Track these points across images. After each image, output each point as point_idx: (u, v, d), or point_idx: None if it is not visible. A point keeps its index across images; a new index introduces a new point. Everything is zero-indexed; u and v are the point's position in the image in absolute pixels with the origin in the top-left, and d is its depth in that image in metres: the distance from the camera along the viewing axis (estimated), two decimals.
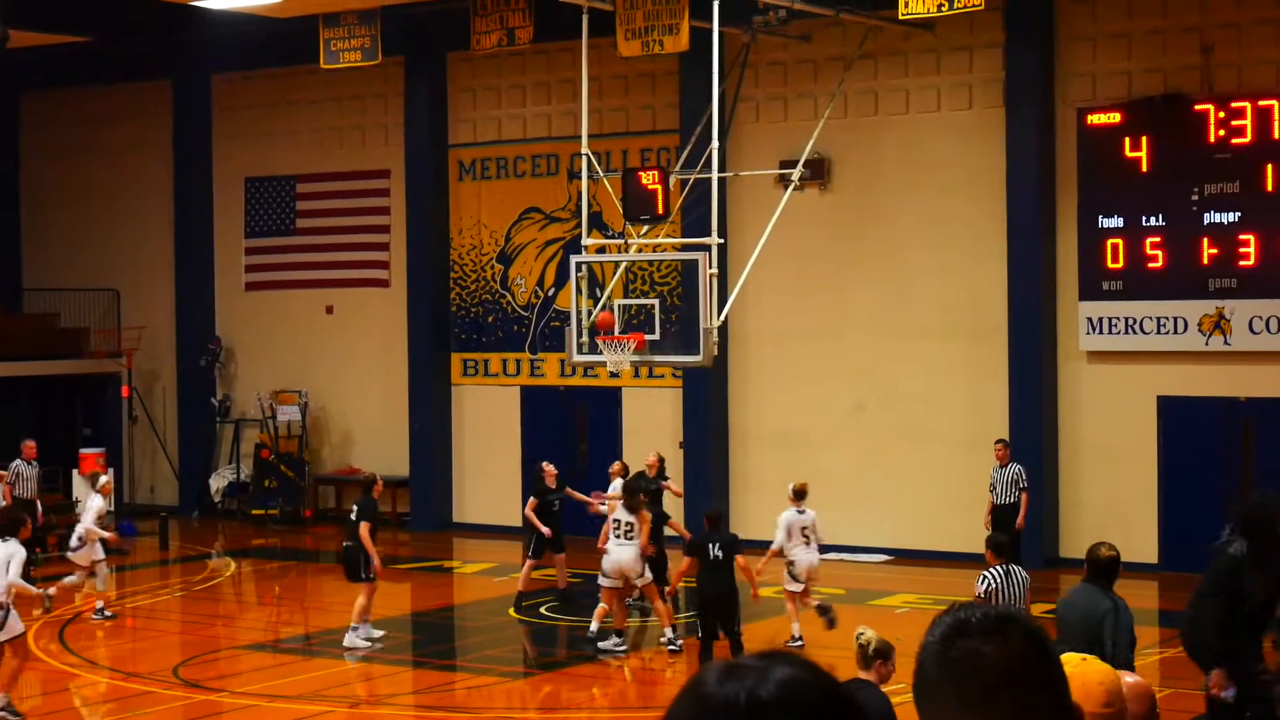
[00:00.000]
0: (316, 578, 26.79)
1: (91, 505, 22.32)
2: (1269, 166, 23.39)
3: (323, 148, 32.16)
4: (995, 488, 22.90)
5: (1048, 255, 25.10)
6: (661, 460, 22.60)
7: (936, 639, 2.95)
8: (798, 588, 19.31)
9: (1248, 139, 23.45)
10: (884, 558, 25.96)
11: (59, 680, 18.94)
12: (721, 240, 22.58)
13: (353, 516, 20.23)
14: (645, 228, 23.35)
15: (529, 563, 22.27)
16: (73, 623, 22.52)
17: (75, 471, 30.28)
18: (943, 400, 25.96)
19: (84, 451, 30.69)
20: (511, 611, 21.97)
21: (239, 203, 33.28)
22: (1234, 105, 23.57)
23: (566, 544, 22.34)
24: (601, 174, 23.79)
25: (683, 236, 24.60)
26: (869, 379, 26.58)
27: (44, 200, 35.52)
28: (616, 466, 22.60)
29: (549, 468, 22.40)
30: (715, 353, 22.15)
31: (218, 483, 32.76)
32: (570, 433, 29.26)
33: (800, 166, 23.96)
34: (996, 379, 25.38)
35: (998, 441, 23.41)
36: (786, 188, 24.07)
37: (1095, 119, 24.46)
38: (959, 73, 25.96)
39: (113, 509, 30.59)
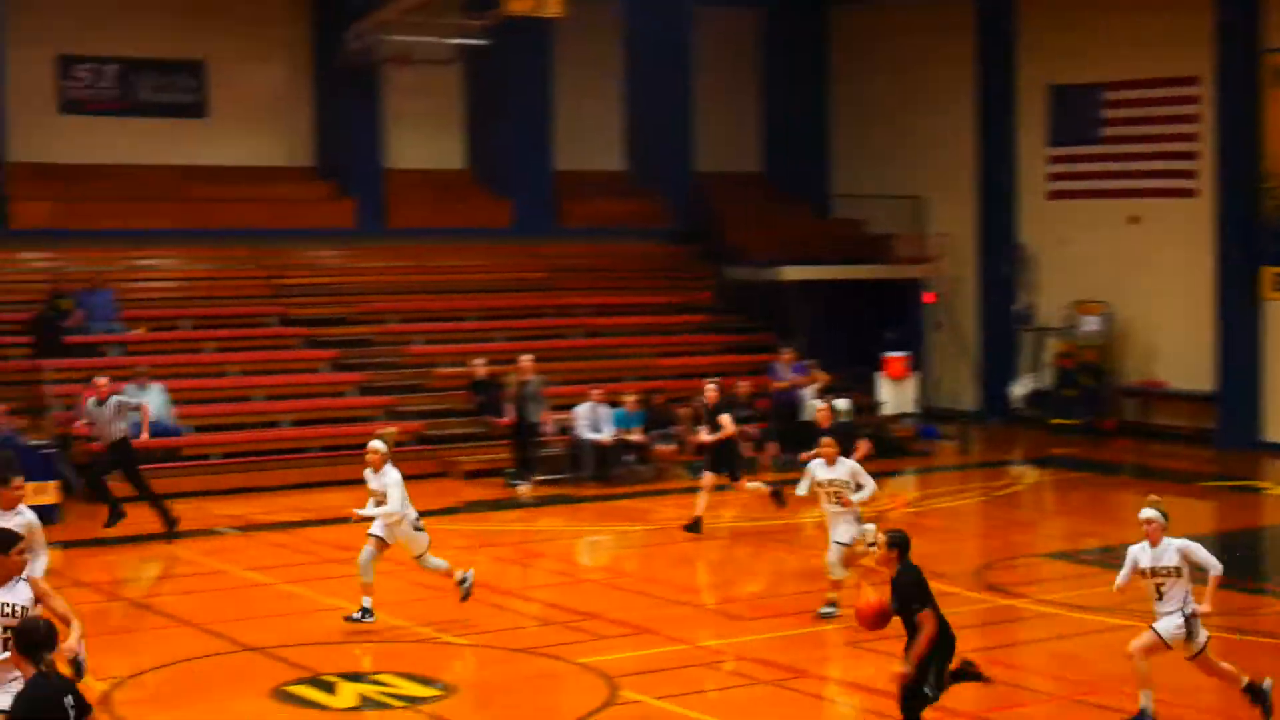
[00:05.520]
0: (1115, 491, 26.59)
1: None
2: None
3: (1130, 54, 31.61)
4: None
5: None
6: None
7: None
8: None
9: None
10: None
11: None
12: None
13: None
14: None
15: None
16: None
17: (878, 374, 31.26)
18: None
19: (887, 355, 31.61)
20: None
21: (1042, 111, 33.26)
22: None
23: None
24: None
25: None
26: None
27: (853, 112, 36.67)
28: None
29: None
30: None
31: (1018, 390, 33.04)
32: None
33: None
34: None
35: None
36: None
37: None
38: None
39: (916, 411, 31.55)
